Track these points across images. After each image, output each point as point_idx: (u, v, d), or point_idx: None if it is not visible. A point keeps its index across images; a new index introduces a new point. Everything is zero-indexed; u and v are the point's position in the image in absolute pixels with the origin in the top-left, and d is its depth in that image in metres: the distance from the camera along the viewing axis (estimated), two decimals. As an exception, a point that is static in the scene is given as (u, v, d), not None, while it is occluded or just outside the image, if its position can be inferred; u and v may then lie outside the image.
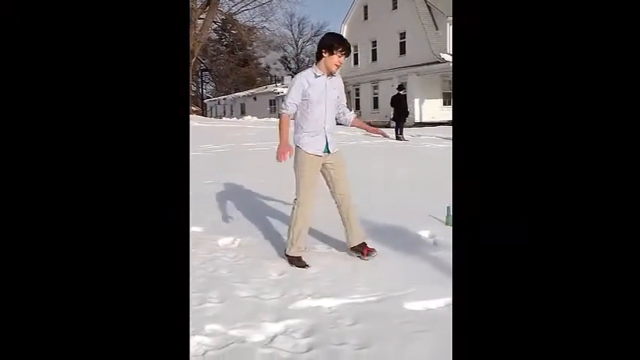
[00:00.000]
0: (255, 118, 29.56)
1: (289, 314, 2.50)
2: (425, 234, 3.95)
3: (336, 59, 3.11)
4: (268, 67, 52.19)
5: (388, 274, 3.09)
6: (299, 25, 54.64)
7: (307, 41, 55.38)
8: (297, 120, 3.24)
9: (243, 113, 37.76)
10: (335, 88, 3.23)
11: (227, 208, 4.80)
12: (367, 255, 3.31)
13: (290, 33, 53.22)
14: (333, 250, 3.58)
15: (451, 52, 22.03)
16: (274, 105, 36.79)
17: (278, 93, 36.14)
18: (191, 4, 20.14)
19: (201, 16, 21.87)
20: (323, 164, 3.25)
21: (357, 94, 28.07)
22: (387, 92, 24.45)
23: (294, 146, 3.21)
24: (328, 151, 3.22)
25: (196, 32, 20.58)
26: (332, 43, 3.12)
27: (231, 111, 41.77)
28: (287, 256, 3.29)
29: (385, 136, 3.82)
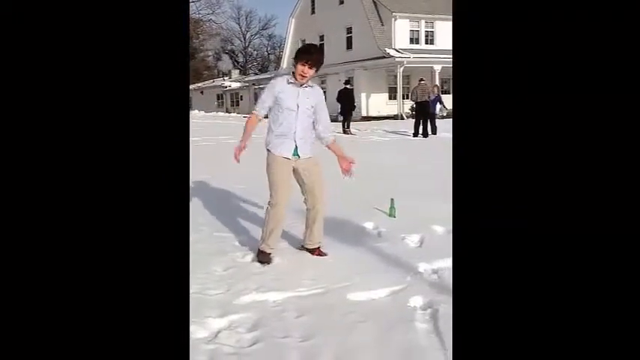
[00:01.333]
0: (202, 113, 29.09)
1: (234, 309, 2.50)
2: (369, 225, 4.03)
3: (299, 69, 3.11)
4: (214, 60, 51.32)
5: (333, 266, 3.13)
6: (246, 18, 54.04)
7: (255, 35, 54.91)
8: (268, 123, 3.25)
9: (190, 107, 37.12)
10: (309, 97, 3.20)
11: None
12: (316, 255, 3.34)
13: (237, 26, 52.64)
14: (281, 244, 3.59)
15: (396, 47, 22.41)
16: (222, 99, 36.29)
17: (225, 87, 35.66)
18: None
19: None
20: (295, 169, 3.24)
21: (305, 89, 28.03)
22: (335, 87, 24.59)
23: (268, 150, 3.23)
24: (298, 156, 3.21)
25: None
26: (297, 53, 3.15)
27: (177, 105, 40.87)
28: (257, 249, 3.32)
29: (351, 164, 3.40)
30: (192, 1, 24.53)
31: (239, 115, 29.18)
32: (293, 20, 28.93)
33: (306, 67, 3.11)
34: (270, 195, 3.24)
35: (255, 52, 55.99)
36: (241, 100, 34.19)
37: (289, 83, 3.19)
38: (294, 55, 3.20)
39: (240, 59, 54.19)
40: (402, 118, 21.35)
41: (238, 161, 3.20)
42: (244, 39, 53.65)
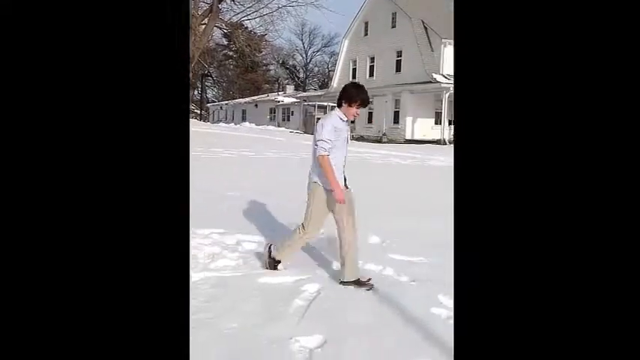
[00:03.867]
0: (252, 125, 30.09)
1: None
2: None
3: (353, 111, 3.30)
4: (277, 79, 52.62)
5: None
6: (309, 35, 55.18)
7: (317, 51, 55.92)
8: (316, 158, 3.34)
9: (243, 119, 38.33)
10: (348, 131, 3.45)
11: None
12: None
13: (300, 42, 53.89)
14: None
15: (443, 73, 22.50)
16: (274, 113, 37.30)
17: (278, 102, 36.66)
18: (192, 11, 20.70)
19: (203, 23, 22.47)
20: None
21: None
22: (382, 107, 24.95)
23: (317, 183, 3.36)
24: (346, 187, 3.39)
25: (196, 39, 21.19)
26: (351, 95, 3.29)
27: (233, 116, 42.34)
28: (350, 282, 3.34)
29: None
30: (248, 19, 25.52)
31: (286, 129, 29.95)
32: (346, 41, 29.54)
33: (360, 108, 3.34)
34: (342, 222, 3.33)
35: (317, 69, 57.14)
36: (292, 115, 35.03)
37: (343, 121, 3.34)
38: (343, 98, 3.32)
39: (301, 74, 55.43)
40: (445, 144, 21.36)
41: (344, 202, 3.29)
42: (306, 55, 54.90)
